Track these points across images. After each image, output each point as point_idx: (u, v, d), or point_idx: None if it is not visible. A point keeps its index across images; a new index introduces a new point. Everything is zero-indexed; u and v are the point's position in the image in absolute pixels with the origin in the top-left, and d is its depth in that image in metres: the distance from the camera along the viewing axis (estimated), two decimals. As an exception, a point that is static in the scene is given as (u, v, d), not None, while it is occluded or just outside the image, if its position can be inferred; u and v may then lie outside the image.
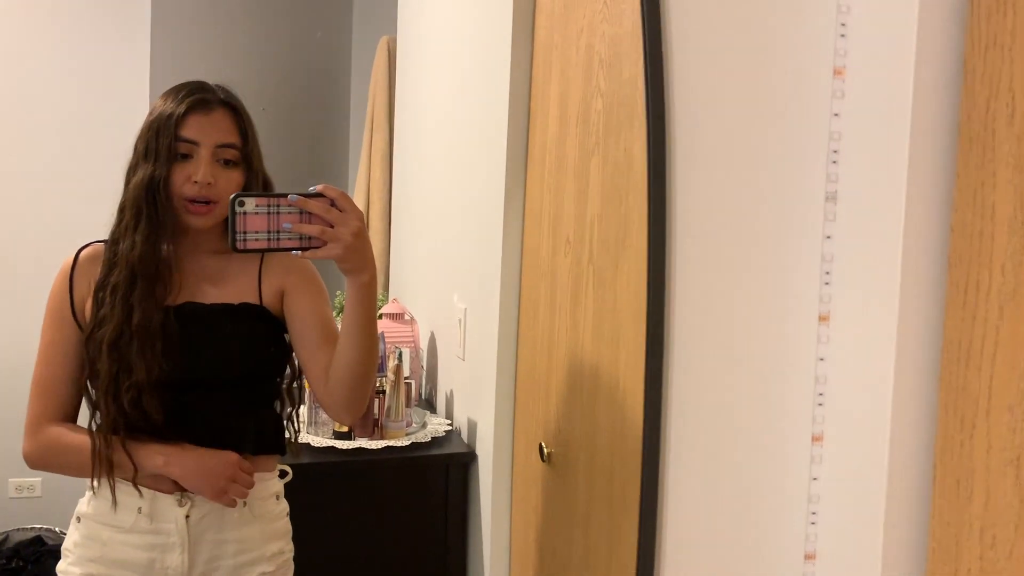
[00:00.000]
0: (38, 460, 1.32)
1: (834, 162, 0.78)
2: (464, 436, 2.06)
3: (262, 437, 1.40)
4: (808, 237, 0.82)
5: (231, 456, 1.32)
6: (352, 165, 3.81)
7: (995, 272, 0.65)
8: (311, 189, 1.16)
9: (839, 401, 0.80)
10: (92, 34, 3.34)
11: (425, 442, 2.00)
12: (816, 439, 0.81)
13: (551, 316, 1.61)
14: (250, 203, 1.13)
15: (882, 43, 0.77)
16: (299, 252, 1.15)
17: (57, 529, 3.19)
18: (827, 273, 0.80)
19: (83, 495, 1.38)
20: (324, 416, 1.97)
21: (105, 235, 1.36)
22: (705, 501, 1.04)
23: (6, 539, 3.14)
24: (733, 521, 0.98)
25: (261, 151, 1.40)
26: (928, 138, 0.70)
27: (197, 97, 1.33)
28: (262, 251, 1.16)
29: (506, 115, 1.78)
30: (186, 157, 1.31)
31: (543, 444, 1.61)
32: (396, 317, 2.37)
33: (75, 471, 1.32)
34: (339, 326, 1.34)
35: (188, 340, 1.32)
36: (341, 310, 2.65)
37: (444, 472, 1.97)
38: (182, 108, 1.31)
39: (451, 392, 2.22)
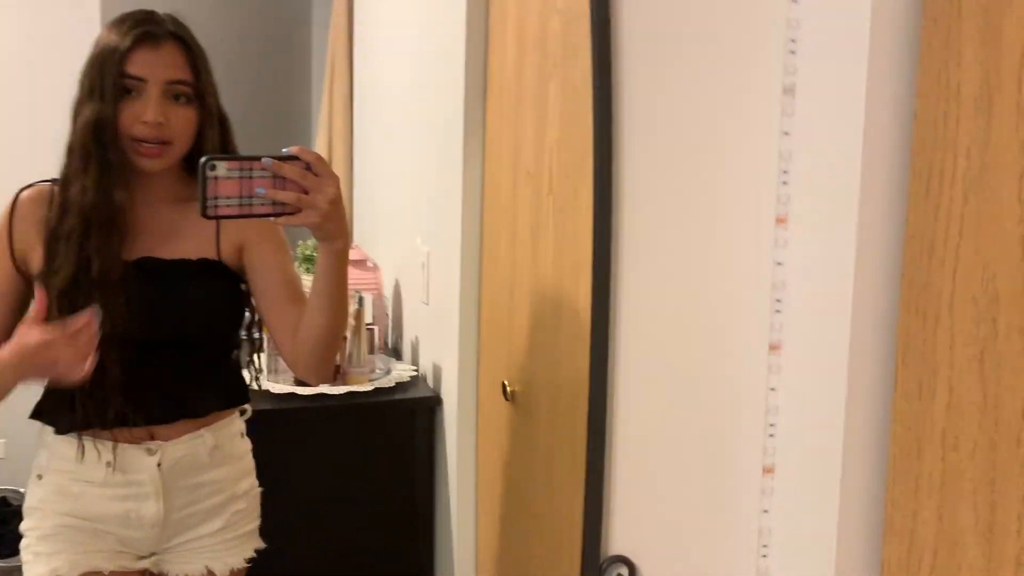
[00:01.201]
0: None
1: (792, 52, 0.73)
2: (430, 381, 2.02)
3: (226, 392, 1.37)
4: (765, 134, 0.78)
5: (30, 335, 1.17)
6: (315, 111, 3.71)
7: (959, 157, 0.61)
8: (285, 151, 1.08)
9: (796, 307, 0.77)
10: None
11: (389, 387, 1.96)
12: (773, 348, 0.78)
13: (512, 251, 1.56)
14: (221, 167, 1.04)
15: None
16: (273, 219, 1.08)
17: (22, 490, 3.12)
18: (784, 172, 0.75)
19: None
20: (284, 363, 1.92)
21: (52, 175, 1.28)
22: (658, 421, 1.00)
23: (-30, 501, 3.07)
24: (687, 440, 0.94)
25: (216, 86, 1.30)
26: (890, 14, 0.66)
27: (143, 30, 1.23)
28: (233, 217, 1.07)
29: (463, 45, 1.71)
30: (136, 94, 1.22)
31: (506, 383, 1.58)
32: (358, 264, 2.31)
33: None
34: (306, 285, 1.30)
35: (148, 298, 1.26)
36: (303, 260, 2.61)
37: (410, 417, 1.94)
38: (127, 42, 1.21)
39: (416, 338, 2.18)
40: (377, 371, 2.03)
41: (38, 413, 1.30)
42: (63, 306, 1.20)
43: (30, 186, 1.29)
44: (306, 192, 1.07)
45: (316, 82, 3.77)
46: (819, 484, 0.75)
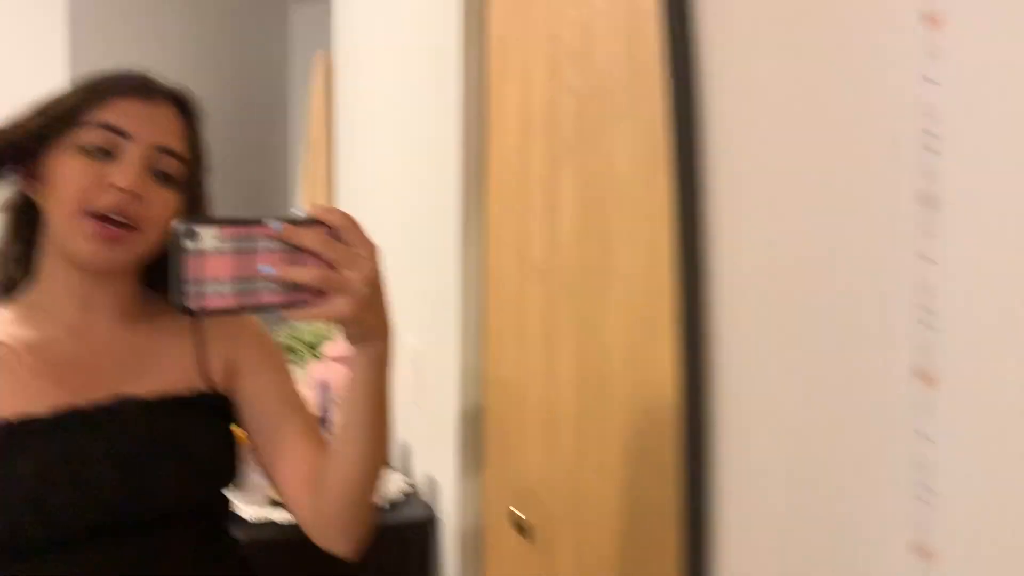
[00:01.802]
0: None
1: (930, 150, 0.55)
2: (426, 496, 1.79)
3: None
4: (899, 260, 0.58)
5: None
6: (291, 188, 3.53)
7: None
8: (299, 213, 0.76)
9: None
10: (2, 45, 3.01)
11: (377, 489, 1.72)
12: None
13: (523, 358, 1.36)
14: (208, 235, 0.69)
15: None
16: (286, 311, 0.73)
17: None
18: (929, 313, 0.55)
19: None
20: (256, 480, 1.68)
21: None
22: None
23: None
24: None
25: (207, 180, 0.99)
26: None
27: (139, 81, 0.92)
28: (229, 311, 0.71)
29: (460, 125, 1.53)
30: (106, 154, 0.87)
31: (519, 513, 1.35)
32: (341, 360, 2.09)
33: None
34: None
35: (136, 455, 0.89)
36: (286, 350, 2.38)
37: (403, 543, 1.69)
38: (115, 87, 0.90)
39: (407, 444, 1.95)
40: (365, 486, 1.79)
41: None
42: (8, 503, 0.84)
43: None
44: (333, 269, 0.73)
45: (292, 156, 3.61)
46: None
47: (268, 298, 0.72)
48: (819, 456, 0.69)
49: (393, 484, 1.83)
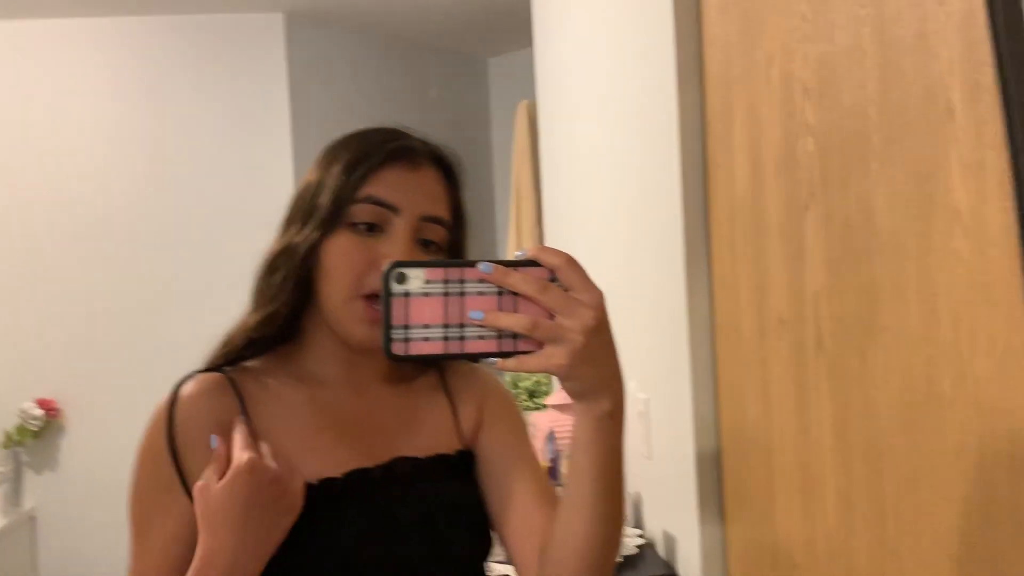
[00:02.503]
0: None
1: None
2: (662, 551, 1.74)
3: None
4: None
5: (240, 475, 0.80)
6: (501, 239, 3.62)
7: None
8: (517, 254, 0.70)
9: None
10: (235, 122, 3.33)
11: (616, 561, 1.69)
12: None
13: (767, 414, 1.28)
14: (416, 277, 0.67)
15: None
16: (497, 361, 0.69)
17: None
18: None
19: None
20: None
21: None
22: None
23: None
24: None
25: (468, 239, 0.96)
26: None
27: (399, 145, 0.89)
28: (435, 359, 0.69)
29: (678, 169, 1.49)
30: (374, 228, 0.86)
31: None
32: (565, 408, 2.09)
33: None
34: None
35: (432, 524, 0.89)
36: (528, 396, 2.41)
37: (641, 599, 1.65)
38: (379, 157, 0.87)
39: (639, 496, 1.91)
40: (598, 540, 1.76)
41: None
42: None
43: (189, 377, 0.91)
44: (551, 316, 0.68)
45: (500, 205, 3.71)
46: None
47: (477, 346, 0.68)
48: None
49: (628, 538, 1.80)
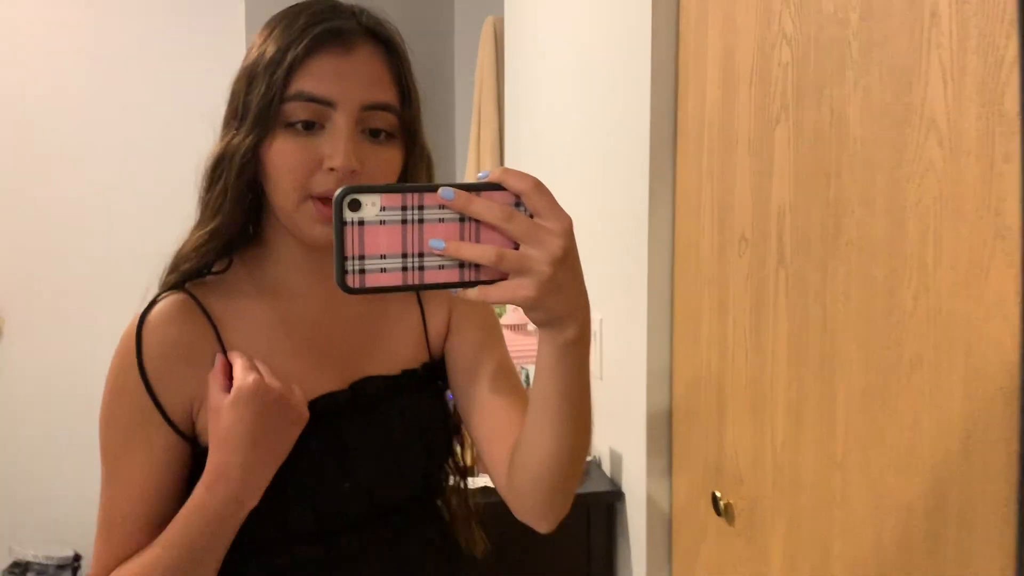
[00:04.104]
0: None
1: None
2: (607, 469, 1.75)
3: (456, 564, 0.98)
4: None
5: (244, 393, 0.79)
6: (460, 158, 3.55)
7: None
8: (480, 175, 0.65)
9: None
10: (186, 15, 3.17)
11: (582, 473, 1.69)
12: None
13: (721, 332, 1.28)
14: (370, 204, 0.62)
15: None
16: (458, 292, 0.65)
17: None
18: None
19: None
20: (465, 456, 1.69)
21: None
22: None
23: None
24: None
25: (421, 117, 0.88)
26: None
27: (328, 27, 0.80)
28: (393, 290, 0.64)
29: (648, 79, 1.45)
30: (310, 127, 0.80)
31: (716, 493, 1.28)
32: (517, 328, 2.08)
33: None
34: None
35: (386, 447, 0.88)
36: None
37: (584, 513, 1.67)
38: (303, 45, 0.79)
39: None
40: (545, 456, 1.77)
41: None
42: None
43: (153, 303, 0.85)
44: (515, 245, 0.64)
45: (460, 127, 3.62)
46: None
47: (438, 276, 0.64)
48: None
49: (574, 456, 1.80)
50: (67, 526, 3.10)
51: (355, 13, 0.83)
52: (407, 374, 0.91)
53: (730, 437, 1.26)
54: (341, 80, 0.79)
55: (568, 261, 0.64)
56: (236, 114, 0.82)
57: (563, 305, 0.66)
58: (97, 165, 3.12)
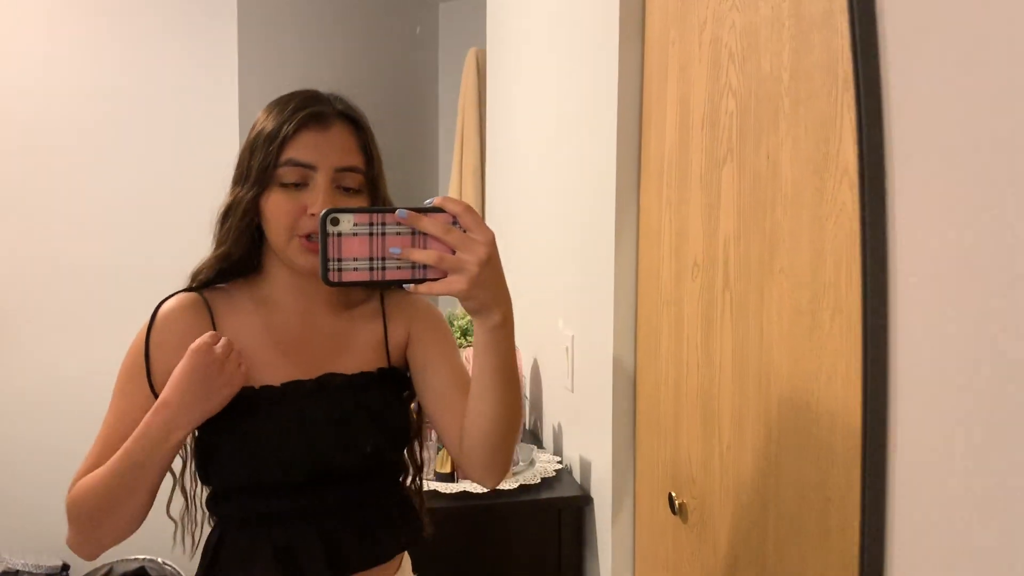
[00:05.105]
0: (71, 520, 1.07)
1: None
2: (576, 476, 1.89)
3: (411, 525, 1.20)
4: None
5: (199, 349, 1.04)
6: (443, 182, 3.69)
7: None
8: (426, 202, 0.90)
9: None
10: (178, 56, 3.30)
11: (534, 484, 1.83)
12: None
13: (678, 349, 1.42)
14: (346, 221, 0.87)
15: None
16: (410, 286, 0.89)
17: (160, 560, 3.16)
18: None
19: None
20: (425, 455, 1.82)
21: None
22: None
23: (110, 571, 3.12)
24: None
25: (384, 173, 1.15)
26: None
27: (310, 112, 1.08)
28: (362, 284, 0.88)
29: (615, 121, 1.60)
30: (300, 185, 1.06)
31: (672, 493, 1.42)
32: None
33: (103, 512, 1.04)
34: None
35: (342, 422, 1.10)
36: (463, 334, 2.53)
37: (555, 517, 1.80)
38: (292, 125, 1.06)
39: (559, 425, 2.05)
40: (520, 463, 1.91)
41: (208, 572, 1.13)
42: (230, 449, 1.07)
43: (169, 297, 1.14)
44: (452, 251, 0.88)
45: (444, 151, 3.77)
46: None
47: (395, 274, 0.88)
48: (1002, 449, 0.72)
49: (547, 463, 1.94)
50: (57, 536, 3.18)
51: (331, 100, 1.12)
52: (364, 375, 1.15)
53: (684, 442, 1.40)
54: (320, 150, 1.07)
55: (491, 263, 0.90)
56: (242, 175, 1.10)
57: (488, 296, 0.92)
58: (95, 177, 3.23)
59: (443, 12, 3.87)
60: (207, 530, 1.17)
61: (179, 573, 3.13)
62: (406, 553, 1.24)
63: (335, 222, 0.87)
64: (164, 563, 3.17)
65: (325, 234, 0.87)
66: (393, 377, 1.18)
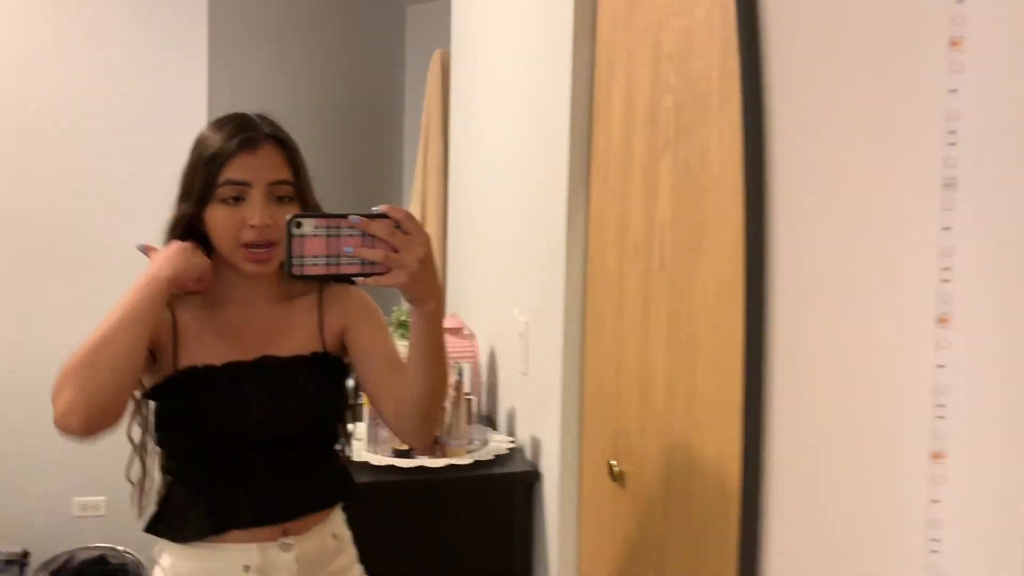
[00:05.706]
0: (63, 381, 1.12)
1: (952, 144, 0.69)
2: (528, 454, 1.99)
3: (342, 482, 1.39)
4: (924, 230, 0.73)
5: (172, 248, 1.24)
6: (407, 179, 3.78)
7: None
8: (374, 209, 1.06)
9: (962, 413, 0.71)
10: (148, 50, 3.36)
11: (487, 460, 1.93)
12: (937, 456, 0.72)
13: (620, 328, 1.53)
14: (308, 224, 1.03)
15: (1005, 9, 0.69)
16: (360, 279, 1.05)
17: (121, 548, 3.20)
18: (946, 269, 0.70)
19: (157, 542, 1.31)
20: (384, 434, 1.92)
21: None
22: (811, 531, 0.94)
23: (70, 559, 3.15)
24: (842, 552, 0.88)
25: (311, 182, 1.32)
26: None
27: (243, 137, 1.24)
28: (320, 278, 1.06)
29: (567, 118, 1.71)
30: (238, 200, 1.23)
31: (612, 462, 1.53)
32: (455, 332, 2.31)
33: (95, 354, 1.12)
34: (402, 351, 1.29)
35: (276, 395, 1.28)
36: (398, 326, 2.63)
37: (508, 491, 1.90)
38: (228, 148, 1.23)
39: (513, 409, 2.15)
40: (475, 442, 2.01)
41: (155, 527, 1.30)
42: (190, 409, 1.25)
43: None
44: (396, 251, 1.05)
45: (409, 149, 3.86)
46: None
47: (349, 269, 1.04)
48: (857, 427, 0.84)
49: (500, 443, 2.04)
50: (17, 525, 3.22)
51: (259, 123, 1.27)
52: (299, 357, 1.31)
53: (624, 413, 1.51)
54: (253, 169, 1.23)
55: (428, 261, 1.08)
56: (187, 193, 1.26)
57: (425, 288, 1.11)
58: (70, 166, 3.28)
59: (411, 15, 3.97)
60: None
61: (139, 560, 3.17)
62: (338, 508, 1.38)
63: (299, 225, 1.03)
64: (125, 551, 3.21)
65: (290, 235, 1.03)
66: (325, 360, 1.33)
